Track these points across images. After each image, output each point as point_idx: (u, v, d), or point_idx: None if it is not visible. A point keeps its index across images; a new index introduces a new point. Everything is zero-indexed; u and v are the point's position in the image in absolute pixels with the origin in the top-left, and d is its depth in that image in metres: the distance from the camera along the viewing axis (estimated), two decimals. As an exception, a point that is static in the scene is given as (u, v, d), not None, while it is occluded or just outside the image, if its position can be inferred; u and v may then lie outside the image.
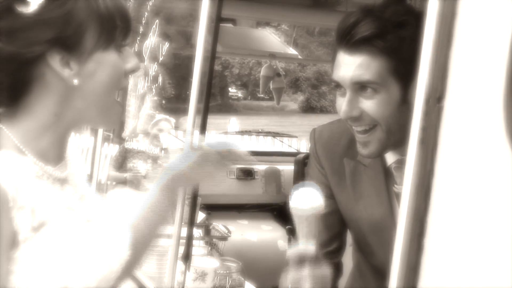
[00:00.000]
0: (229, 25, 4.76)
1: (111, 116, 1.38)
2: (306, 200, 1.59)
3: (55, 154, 1.32)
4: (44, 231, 1.20)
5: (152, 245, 1.51)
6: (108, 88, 1.32)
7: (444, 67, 0.83)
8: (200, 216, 3.03)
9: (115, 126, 1.44)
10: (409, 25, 1.62)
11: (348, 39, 1.65)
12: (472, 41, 0.81)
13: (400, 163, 1.76)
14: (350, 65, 1.66)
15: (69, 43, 1.24)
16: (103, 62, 1.29)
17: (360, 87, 1.66)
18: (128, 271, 1.46)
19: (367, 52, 1.63)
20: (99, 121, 1.41)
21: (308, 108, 29.09)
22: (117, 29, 1.30)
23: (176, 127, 4.94)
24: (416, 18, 1.62)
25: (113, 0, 1.31)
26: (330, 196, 1.93)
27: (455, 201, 0.79)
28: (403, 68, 1.62)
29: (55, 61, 1.23)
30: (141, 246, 1.46)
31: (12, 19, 1.20)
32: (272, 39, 5.02)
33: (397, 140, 1.70)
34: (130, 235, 1.40)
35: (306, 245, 1.60)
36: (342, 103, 1.69)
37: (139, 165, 4.86)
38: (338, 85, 1.71)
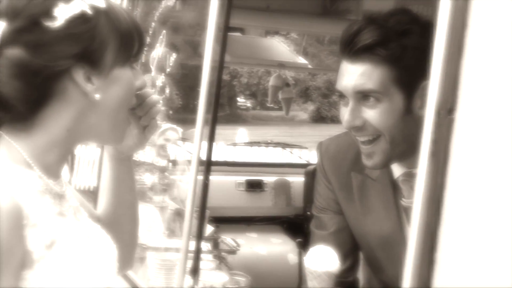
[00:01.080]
0: (237, 34, 4.78)
1: (120, 133, 1.40)
2: (321, 261, 1.58)
3: (58, 169, 1.34)
4: (56, 249, 1.21)
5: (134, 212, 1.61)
6: (122, 104, 1.35)
7: (455, 79, 0.84)
8: (209, 229, 3.04)
9: (121, 143, 1.46)
10: (413, 34, 1.62)
11: (350, 48, 1.66)
12: (483, 52, 0.82)
13: (408, 176, 1.76)
14: (352, 74, 1.66)
15: (93, 58, 1.27)
16: (120, 78, 1.32)
17: (363, 96, 1.67)
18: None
19: (370, 60, 1.64)
20: (108, 137, 1.43)
21: (319, 118, 29.04)
22: (134, 46, 1.33)
23: (184, 138, 4.96)
24: (421, 27, 1.62)
25: (131, 17, 1.34)
26: (339, 211, 1.92)
27: (467, 215, 0.80)
28: (406, 77, 1.63)
29: (79, 75, 1.26)
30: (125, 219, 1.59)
31: (40, 33, 1.23)
32: (281, 48, 5.03)
33: (402, 151, 1.70)
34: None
35: None
36: (345, 113, 1.70)
37: (145, 177, 4.86)
38: (341, 95, 1.71)
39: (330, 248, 1.64)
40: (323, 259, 1.60)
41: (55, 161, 1.32)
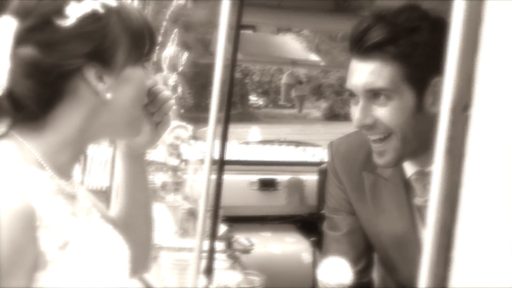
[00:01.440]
0: (249, 31, 4.78)
1: (136, 128, 1.40)
2: (334, 273, 1.58)
3: (70, 169, 1.35)
4: (69, 250, 1.21)
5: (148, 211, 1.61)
6: (134, 104, 1.35)
7: (470, 75, 0.83)
8: (222, 228, 3.04)
9: (137, 136, 1.46)
10: (422, 30, 1.62)
11: (359, 46, 1.66)
12: (499, 47, 0.81)
13: (420, 175, 1.75)
14: (362, 73, 1.66)
15: (104, 57, 1.27)
16: (132, 78, 1.33)
17: (373, 94, 1.66)
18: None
19: (379, 58, 1.63)
20: (123, 134, 1.44)
21: (332, 116, 29.01)
22: (145, 45, 1.34)
23: (196, 137, 4.96)
24: (430, 24, 1.62)
25: (142, 15, 1.34)
26: (351, 212, 1.92)
27: (484, 213, 0.79)
28: (416, 74, 1.62)
29: (90, 74, 1.26)
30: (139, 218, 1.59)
31: (51, 32, 1.24)
32: (293, 45, 5.03)
33: (414, 149, 1.69)
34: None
35: None
36: (356, 111, 1.69)
37: (157, 177, 4.86)
38: (352, 94, 1.71)
39: (343, 260, 1.64)
40: (336, 271, 1.59)
41: (67, 161, 1.33)
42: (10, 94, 1.25)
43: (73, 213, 1.30)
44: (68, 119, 1.29)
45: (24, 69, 1.24)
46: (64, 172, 1.32)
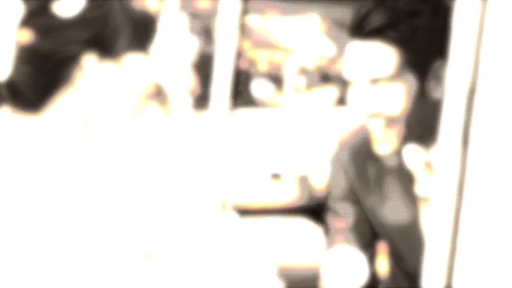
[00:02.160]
0: (255, 19, 4.77)
1: (137, 119, 1.40)
2: (344, 271, 1.57)
3: None
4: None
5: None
6: (136, 94, 1.34)
7: (475, 61, 0.84)
8: (229, 220, 3.05)
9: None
10: (423, 14, 1.61)
11: (359, 32, 1.66)
12: (503, 34, 0.82)
13: (424, 163, 1.75)
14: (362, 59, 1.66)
15: (104, 45, 1.26)
16: (133, 67, 1.32)
17: (374, 80, 1.67)
18: None
19: (380, 43, 1.63)
20: (124, 124, 1.45)
21: (340, 104, 28.91)
22: (148, 34, 1.33)
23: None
24: (431, 7, 1.62)
25: (145, 3, 1.34)
26: (357, 201, 1.92)
27: (488, 200, 0.80)
28: (418, 58, 1.62)
29: (89, 62, 1.26)
30: None
31: (50, 17, 1.23)
32: (300, 32, 5.02)
33: (418, 135, 1.70)
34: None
35: None
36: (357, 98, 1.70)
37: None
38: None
39: (355, 253, 1.64)
40: (348, 267, 1.59)
41: None
42: (8, 80, 1.24)
43: None
44: (66, 108, 1.29)
45: (21, 55, 1.23)
46: None
